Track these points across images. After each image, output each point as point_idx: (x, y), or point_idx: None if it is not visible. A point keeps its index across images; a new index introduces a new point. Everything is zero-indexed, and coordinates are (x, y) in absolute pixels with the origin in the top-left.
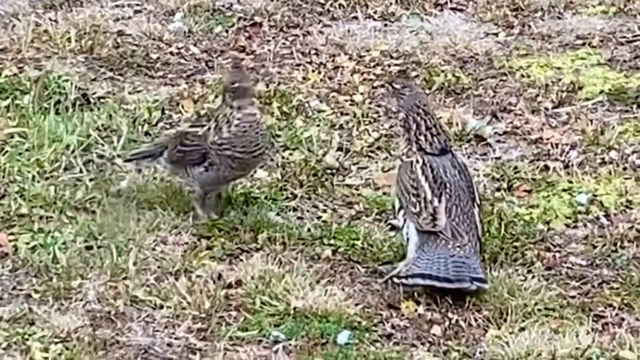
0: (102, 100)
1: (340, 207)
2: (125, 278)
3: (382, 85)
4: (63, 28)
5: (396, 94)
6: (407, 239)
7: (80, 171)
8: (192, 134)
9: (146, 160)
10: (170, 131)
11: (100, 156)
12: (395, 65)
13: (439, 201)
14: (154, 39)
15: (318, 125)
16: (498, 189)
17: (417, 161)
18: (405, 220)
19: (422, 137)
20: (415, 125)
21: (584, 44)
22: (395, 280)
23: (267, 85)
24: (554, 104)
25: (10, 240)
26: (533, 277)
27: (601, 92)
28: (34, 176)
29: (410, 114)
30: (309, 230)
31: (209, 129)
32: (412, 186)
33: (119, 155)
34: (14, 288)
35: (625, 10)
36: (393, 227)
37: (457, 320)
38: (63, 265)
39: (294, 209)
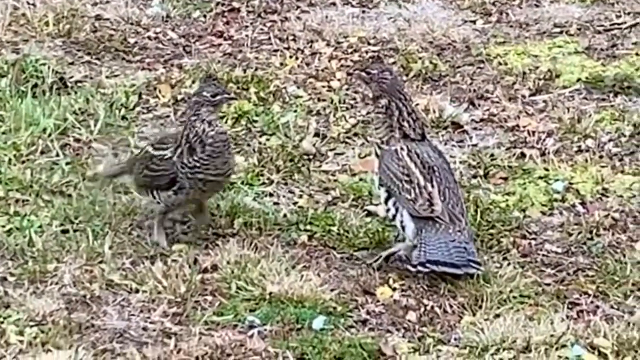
0: (79, 84)
1: (316, 192)
2: (101, 262)
3: (350, 74)
4: (41, 12)
5: (376, 79)
6: (403, 227)
7: (57, 155)
8: (158, 158)
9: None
10: (136, 150)
11: (77, 140)
12: (373, 51)
13: (432, 186)
14: (131, 24)
15: (295, 111)
16: (474, 176)
17: (402, 148)
18: (397, 209)
19: (405, 123)
20: (397, 111)
21: (561, 32)
22: (410, 268)
23: (245, 71)
24: (531, 92)
25: None
26: (508, 264)
27: (578, 80)
28: (10, 159)
29: (393, 99)
30: (285, 215)
31: (181, 152)
32: (403, 173)
33: (95, 139)
34: None
35: None
36: (369, 214)
37: (432, 307)
38: (39, 248)
39: (271, 195)
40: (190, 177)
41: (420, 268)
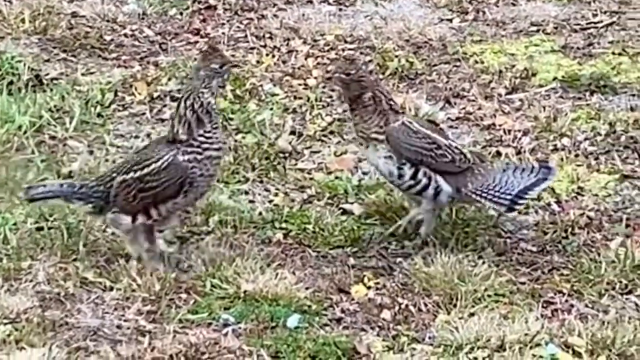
0: (55, 81)
1: (292, 190)
2: (75, 260)
3: (329, 78)
4: (17, 9)
5: (355, 79)
6: (437, 192)
7: (32, 152)
8: (155, 171)
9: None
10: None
11: (53, 137)
12: (350, 49)
13: (452, 141)
14: (107, 21)
15: (271, 109)
16: None
17: (410, 122)
18: (430, 177)
19: (392, 102)
20: (382, 95)
21: (538, 31)
22: (502, 210)
23: None
24: (507, 90)
25: None
26: (483, 262)
27: (554, 78)
28: None
29: (376, 89)
30: (260, 213)
31: (189, 129)
32: (427, 142)
33: (71, 137)
34: None
35: None
36: (345, 212)
37: (406, 305)
38: (13, 246)
39: (246, 192)
40: (200, 160)
41: (516, 206)
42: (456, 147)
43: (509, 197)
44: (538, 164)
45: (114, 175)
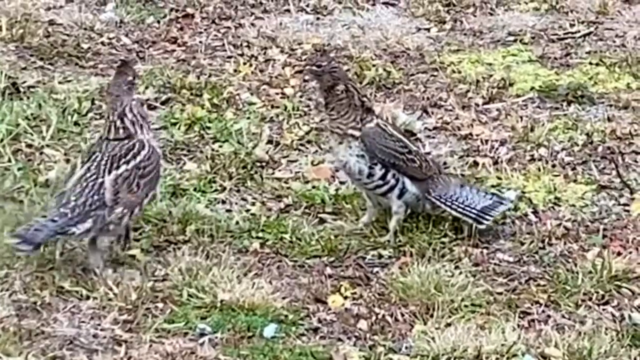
0: (32, 89)
1: (269, 200)
2: (51, 269)
3: (301, 71)
4: None
5: (327, 70)
6: (402, 193)
7: (9, 160)
8: (146, 158)
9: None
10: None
11: (29, 145)
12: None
13: (419, 148)
14: (85, 29)
15: (248, 118)
16: None
17: (385, 125)
18: (397, 179)
19: (364, 99)
20: (355, 90)
21: (515, 41)
22: (481, 227)
23: (198, 77)
24: (485, 100)
25: None
26: (460, 273)
27: (532, 88)
28: None
29: (348, 82)
30: (237, 223)
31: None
32: (401, 146)
33: (48, 145)
34: None
35: (556, 7)
36: (322, 221)
37: (383, 315)
38: None
39: (223, 202)
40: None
41: (487, 224)
42: (422, 155)
43: (474, 211)
44: (491, 194)
45: (101, 180)
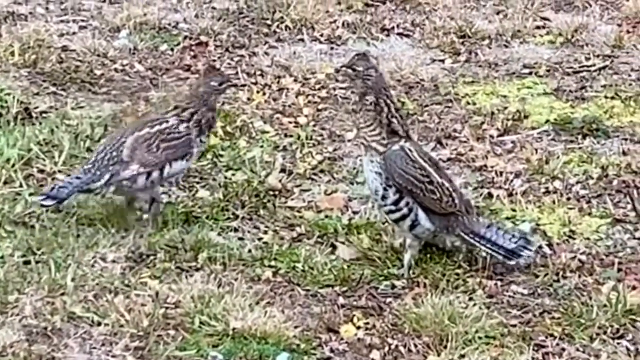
0: (44, 114)
1: (281, 229)
2: (63, 294)
3: (337, 71)
4: (7, 41)
5: (361, 76)
6: (414, 226)
7: (20, 185)
8: (173, 127)
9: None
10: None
11: (41, 171)
12: (341, 88)
13: (448, 182)
14: (98, 55)
15: (261, 146)
16: None
17: (410, 150)
18: (411, 209)
19: (394, 120)
20: (386, 107)
21: (530, 73)
22: (511, 263)
23: None
24: (499, 132)
25: None
26: (474, 304)
27: (547, 121)
28: None
29: (381, 96)
30: (249, 251)
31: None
32: (422, 175)
33: (60, 171)
34: None
35: (572, 40)
36: (334, 249)
37: (396, 346)
38: (0, 279)
39: (235, 230)
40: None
41: (519, 260)
42: (448, 189)
43: (502, 250)
44: (518, 234)
45: (122, 140)
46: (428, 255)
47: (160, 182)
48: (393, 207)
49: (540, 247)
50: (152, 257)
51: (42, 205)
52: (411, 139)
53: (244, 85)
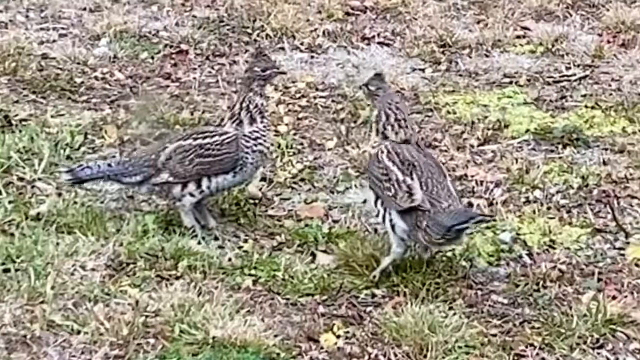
0: (24, 122)
1: (262, 237)
2: (42, 302)
3: (360, 87)
4: None
5: (371, 94)
6: (393, 226)
7: (0, 193)
8: (217, 143)
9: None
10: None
11: (21, 179)
12: (321, 97)
13: (411, 179)
14: (78, 63)
15: None
16: None
17: (382, 151)
18: (385, 209)
19: (388, 127)
20: (385, 117)
21: (510, 83)
22: (437, 241)
23: (192, 113)
24: (480, 142)
25: None
26: (454, 314)
27: (527, 131)
28: None
29: (383, 109)
30: (229, 259)
31: (241, 123)
32: (382, 173)
33: (39, 179)
34: None
35: (552, 50)
36: (314, 258)
37: (376, 355)
38: None
39: (216, 238)
40: (254, 150)
41: (439, 247)
42: (409, 186)
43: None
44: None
45: (166, 145)
46: (408, 265)
47: (204, 194)
48: (374, 207)
49: (520, 256)
50: (132, 266)
51: (61, 178)
52: (408, 143)
53: (223, 94)
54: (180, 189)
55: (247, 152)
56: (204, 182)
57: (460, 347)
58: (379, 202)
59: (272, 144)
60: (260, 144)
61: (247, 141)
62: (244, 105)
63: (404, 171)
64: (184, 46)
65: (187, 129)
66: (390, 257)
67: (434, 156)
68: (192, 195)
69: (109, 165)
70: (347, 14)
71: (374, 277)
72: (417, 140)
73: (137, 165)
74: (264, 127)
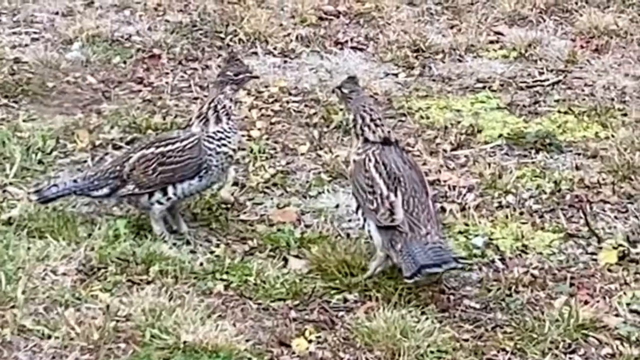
0: None
1: (234, 242)
2: (13, 307)
3: (333, 91)
4: None
5: (345, 97)
6: (371, 237)
7: None
8: (179, 149)
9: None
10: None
11: None
12: (294, 102)
13: (395, 195)
14: (50, 67)
15: None
16: None
17: (370, 159)
18: (365, 219)
19: (366, 128)
20: (361, 119)
21: (484, 88)
22: (407, 280)
23: (164, 118)
24: (453, 146)
25: None
26: (427, 318)
27: (500, 136)
28: None
29: (358, 111)
30: (201, 264)
31: (207, 122)
32: (367, 184)
33: (11, 183)
34: None
35: (525, 55)
36: (286, 263)
37: None
38: None
39: (187, 243)
40: (218, 152)
41: (416, 279)
42: (392, 204)
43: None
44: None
45: (130, 155)
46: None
47: (172, 201)
48: (355, 215)
49: (493, 261)
50: (103, 270)
51: (30, 200)
52: (390, 144)
53: (196, 99)
54: (147, 198)
55: (210, 155)
56: (170, 190)
57: (432, 352)
58: (360, 211)
59: (239, 148)
60: (224, 145)
61: (211, 142)
62: (212, 105)
63: (389, 186)
64: (156, 51)
65: (158, 133)
66: (376, 261)
67: (417, 165)
68: (160, 203)
69: (75, 181)
70: (321, 18)
71: (365, 278)
72: (395, 138)
73: (102, 178)
74: (229, 128)
